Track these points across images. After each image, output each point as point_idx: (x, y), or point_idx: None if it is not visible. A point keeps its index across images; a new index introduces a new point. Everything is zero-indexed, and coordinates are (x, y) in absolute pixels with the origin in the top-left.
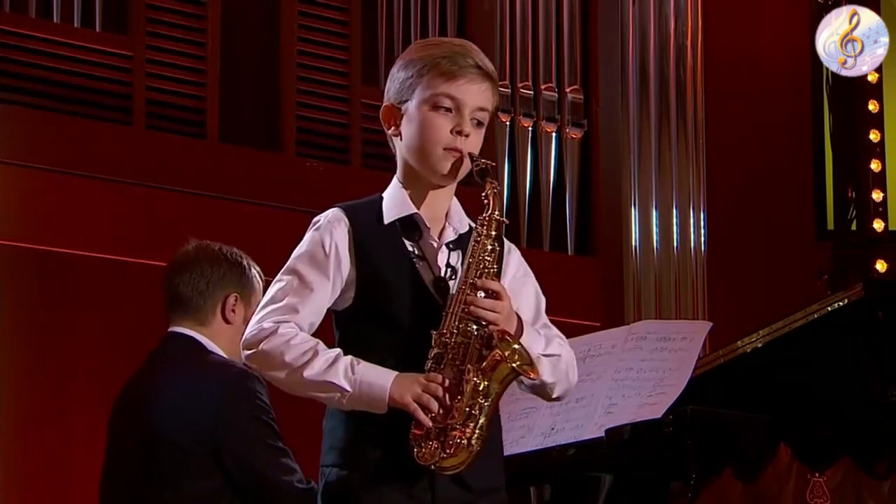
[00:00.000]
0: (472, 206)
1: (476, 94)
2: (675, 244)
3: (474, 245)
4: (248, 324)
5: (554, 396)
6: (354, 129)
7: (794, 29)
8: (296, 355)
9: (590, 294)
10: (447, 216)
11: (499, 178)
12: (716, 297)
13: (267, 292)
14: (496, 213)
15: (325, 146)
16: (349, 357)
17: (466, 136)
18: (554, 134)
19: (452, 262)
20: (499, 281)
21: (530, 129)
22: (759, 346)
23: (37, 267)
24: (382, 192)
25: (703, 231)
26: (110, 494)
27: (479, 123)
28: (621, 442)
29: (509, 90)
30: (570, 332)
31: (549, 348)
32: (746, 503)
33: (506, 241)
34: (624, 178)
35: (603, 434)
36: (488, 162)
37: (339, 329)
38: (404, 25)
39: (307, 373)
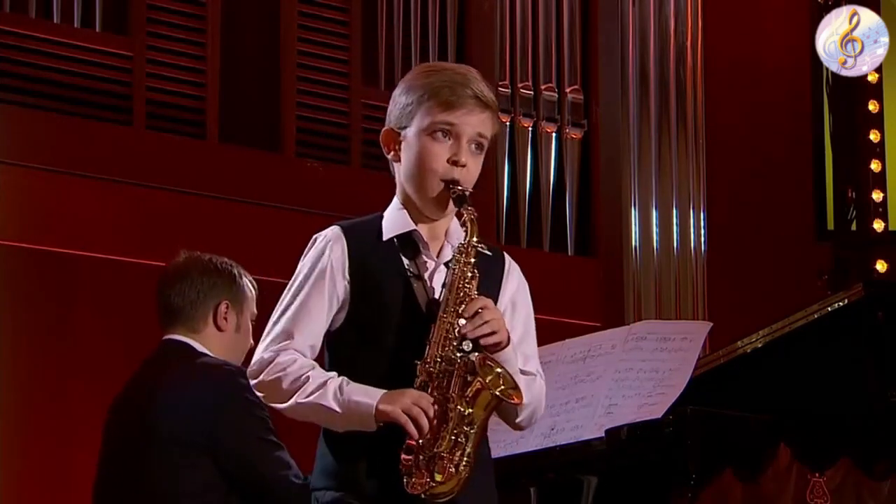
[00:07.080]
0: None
1: (475, 124)
2: (675, 244)
3: (453, 273)
4: (241, 331)
5: (518, 419)
6: (354, 129)
7: (794, 29)
8: (290, 382)
9: (590, 294)
10: (447, 235)
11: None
12: (716, 297)
13: (271, 317)
14: (474, 239)
15: (325, 146)
16: (341, 379)
17: (463, 165)
18: (554, 134)
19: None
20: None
21: (530, 129)
22: (759, 346)
23: (37, 267)
24: (385, 203)
25: (703, 231)
26: (105, 495)
27: (479, 147)
28: (621, 442)
29: (509, 90)
30: (570, 332)
31: (528, 366)
32: (746, 503)
33: (507, 257)
34: (624, 178)
35: (603, 434)
36: (465, 188)
37: (329, 350)
38: (404, 25)
39: (300, 398)
